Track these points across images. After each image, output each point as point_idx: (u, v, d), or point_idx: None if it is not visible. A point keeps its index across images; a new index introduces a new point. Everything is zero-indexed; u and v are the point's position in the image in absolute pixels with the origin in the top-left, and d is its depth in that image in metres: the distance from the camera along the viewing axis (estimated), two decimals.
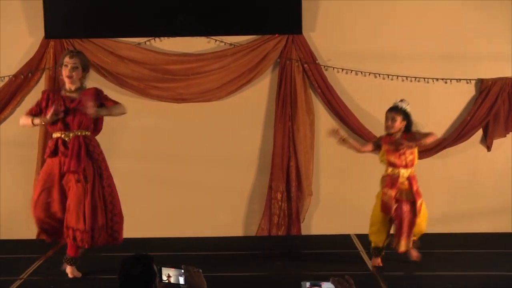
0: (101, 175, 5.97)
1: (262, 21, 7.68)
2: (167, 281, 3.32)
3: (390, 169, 6.33)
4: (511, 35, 7.71)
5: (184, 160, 7.82)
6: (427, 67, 7.75)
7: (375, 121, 7.45)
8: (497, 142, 7.83)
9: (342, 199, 7.78)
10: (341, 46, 7.77)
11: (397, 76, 7.75)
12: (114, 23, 7.66)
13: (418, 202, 6.28)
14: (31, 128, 6.54)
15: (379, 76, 7.76)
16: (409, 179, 6.31)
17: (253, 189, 7.88)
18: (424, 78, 7.76)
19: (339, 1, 7.75)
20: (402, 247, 6.33)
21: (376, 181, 6.48)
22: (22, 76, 7.64)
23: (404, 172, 6.30)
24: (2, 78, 7.63)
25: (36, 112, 6.03)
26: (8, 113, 7.65)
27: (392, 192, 6.27)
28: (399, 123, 6.32)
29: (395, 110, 6.33)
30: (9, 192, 7.65)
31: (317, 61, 7.74)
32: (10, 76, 7.62)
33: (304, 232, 7.80)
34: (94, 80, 7.14)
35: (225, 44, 7.77)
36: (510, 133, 7.82)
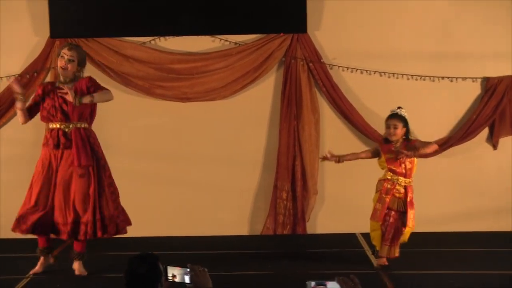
0: (104, 167, 6.02)
1: (267, 20, 7.67)
2: (172, 280, 3.32)
3: (389, 175, 6.32)
4: None
5: (189, 159, 7.81)
6: (433, 66, 7.73)
7: (380, 120, 7.40)
8: (503, 141, 7.80)
9: (347, 198, 7.76)
10: (346, 45, 7.76)
11: (402, 74, 7.73)
12: (119, 23, 7.67)
13: (410, 213, 6.26)
14: (32, 127, 6.50)
15: (384, 74, 7.74)
16: (406, 188, 6.30)
17: (259, 188, 7.88)
18: (430, 77, 7.74)
19: (344, 0, 7.74)
20: (383, 253, 6.32)
21: None
22: (27, 76, 7.65)
23: (402, 181, 6.30)
24: (8, 77, 7.64)
25: (30, 106, 6.06)
26: (13, 113, 7.64)
27: (387, 198, 6.26)
28: (400, 130, 6.30)
29: (396, 117, 6.30)
30: (9, 192, 7.62)
31: (322, 60, 7.73)
32: (16, 76, 7.62)
33: (309, 231, 7.79)
34: (98, 79, 7.11)
35: (230, 43, 7.77)
36: None
